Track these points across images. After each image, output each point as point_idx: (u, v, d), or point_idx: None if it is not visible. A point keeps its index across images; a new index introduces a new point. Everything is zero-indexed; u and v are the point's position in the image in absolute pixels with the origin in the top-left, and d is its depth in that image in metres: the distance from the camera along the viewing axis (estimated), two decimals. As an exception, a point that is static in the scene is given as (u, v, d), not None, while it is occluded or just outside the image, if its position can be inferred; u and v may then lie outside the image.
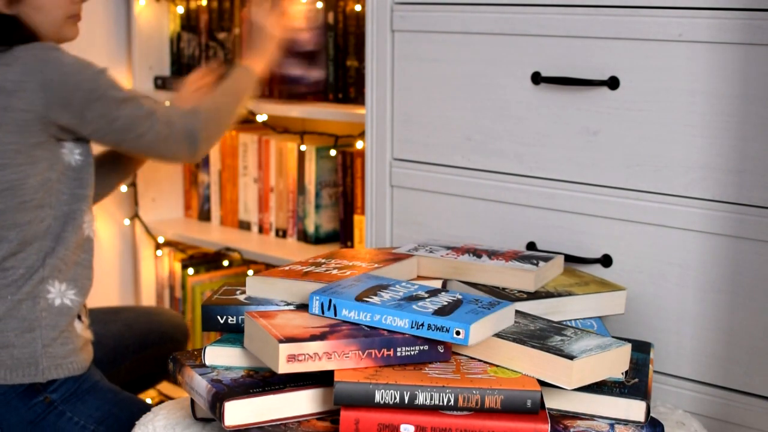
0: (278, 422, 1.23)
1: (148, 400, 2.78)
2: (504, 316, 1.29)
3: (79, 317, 1.85)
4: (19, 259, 1.77)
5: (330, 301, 1.30)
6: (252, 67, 2.13)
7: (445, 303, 1.29)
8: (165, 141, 1.87)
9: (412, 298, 1.30)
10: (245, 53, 2.22)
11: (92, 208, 1.91)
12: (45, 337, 1.76)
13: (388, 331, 1.25)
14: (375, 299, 1.29)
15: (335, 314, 1.30)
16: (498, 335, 1.28)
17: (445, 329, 1.22)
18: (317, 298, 1.32)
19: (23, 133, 1.73)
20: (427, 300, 1.30)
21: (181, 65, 2.82)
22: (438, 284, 1.52)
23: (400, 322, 1.24)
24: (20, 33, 1.79)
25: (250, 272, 2.63)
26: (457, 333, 1.21)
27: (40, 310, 1.77)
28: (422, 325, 1.23)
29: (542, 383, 1.24)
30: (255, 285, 1.42)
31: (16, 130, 1.73)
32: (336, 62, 2.48)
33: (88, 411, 1.78)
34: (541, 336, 1.30)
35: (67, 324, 1.80)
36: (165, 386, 2.79)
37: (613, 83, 1.58)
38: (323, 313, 1.31)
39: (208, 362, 1.34)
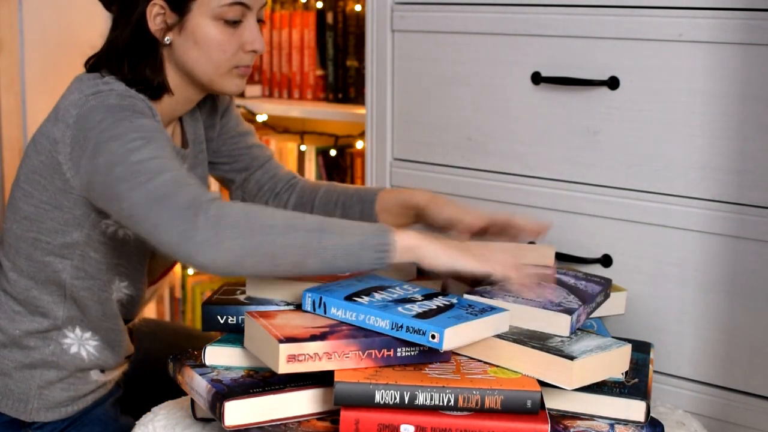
0: (278, 422, 1.23)
1: (148, 400, 2.78)
2: (495, 323, 1.28)
3: (103, 370, 1.64)
4: (34, 293, 1.57)
5: (321, 298, 1.30)
6: (397, 236, 1.31)
7: (434, 307, 1.28)
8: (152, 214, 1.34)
9: (403, 301, 1.30)
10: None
11: (143, 283, 1.65)
12: (44, 378, 1.59)
13: (371, 331, 1.25)
14: (364, 299, 1.29)
15: (325, 312, 1.30)
16: (498, 336, 1.28)
17: (421, 332, 1.22)
18: (309, 295, 1.32)
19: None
20: (417, 303, 1.29)
21: (181, 65, 2.82)
22: (439, 284, 1.52)
23: (382, 323, 1.24)
24: (164, 64, 1.54)
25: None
26: (432, 337, 1.21)
27: (49, 353, 1.58)
28: (401, 327, 1.23)
29: (542, 383, 1.24)
30: (255, 285, 1.42)
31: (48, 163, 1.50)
32: (336, 62, 2.48)
33: None
34: (541, 336, 1.30)
35: (76, 371, 1.61)
36: (165, 386, 2.79)
37: (613, 83, 1.58)
38: (314, 310, 1.31)
39: (208, 362, 1.34)
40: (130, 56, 1.53)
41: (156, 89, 1.55)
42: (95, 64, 1.56)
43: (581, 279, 1.44)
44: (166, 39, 1.52)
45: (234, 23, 1.52)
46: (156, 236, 1.31)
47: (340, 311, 1.29)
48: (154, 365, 1.77)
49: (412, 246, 1.30)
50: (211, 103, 1.74)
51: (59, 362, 1.60)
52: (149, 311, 2.86)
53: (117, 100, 1.47)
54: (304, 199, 1.76)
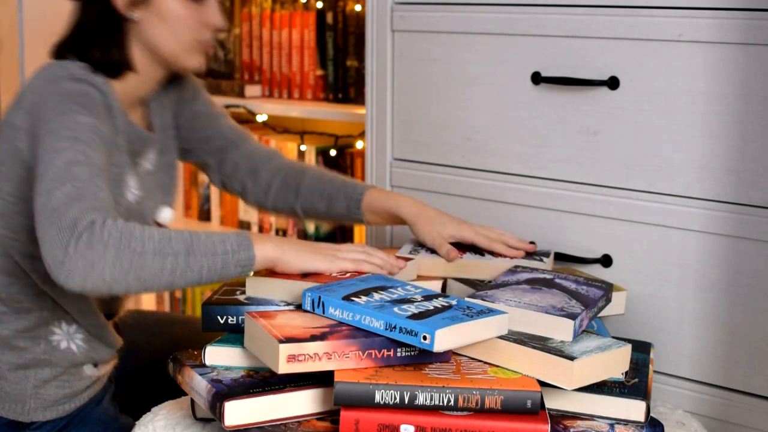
0: (278, 422, 1.23)
1: (148, 400, 2.79)
2: (492, 325, 1.28)
3: (95, 365, 1.65)
4: (14, 289, 1.57)
5: (319, 298, 1.30)
6: (260, 245, 1.39)
7: (431, 307, 1.28)
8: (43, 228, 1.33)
9: (402, 301, 1.30)
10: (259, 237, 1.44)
11: None
12: (39, 377, 1.59)
13: (368, 331, 1.25)
14: (361, 299, 1.29)
15: (323, 311, 1.30)
16: (498, 336, 1.28)
17: (413, 333, 1.21)
18: (309, 294, 1.32)
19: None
20: (415, 303, 1.29)
21: (181, 65, 2.82)
22: (439, 284, 1.52)
23: (377, 323, 1.24)
24: (129, 42, 1.58)
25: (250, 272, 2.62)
26: (424, 338, 1.21)
27: (41, 351, 1.59)
28: (395, 327, 1.23)
29: (542, 383, 1.24)
30: (255, 285, 1.42)
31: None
32: (336, 62, 2.48)
33: None
34: (541, 336, 1.30)
35: (69, 367, 1.61)
36: (165, 386, 2.79)
37: (613, 83, 1.58)
38: (314, 309, 1.31)
39: (208, 362, 1.34)
40: (98, 36, 1.57)
41: (119, 66, 1.58)
42: (62, 49, 1.59)
43: (582, 283, 1.44)
44: (133, 15, 1.56)
45: (198, 1, 1.58)
46: (40, 249, 1.32)
47: (337, 311, 1.29)
48: (140, 356, 1.79)
49: (271, 257, 1.39)
50: (178, 89, 1.77)
51: (52, 359, 1.60)
52: (148, 306, 2.87)
53: (71, 86, 1.50)
54: (288, 183, 1.78)
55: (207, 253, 1.35)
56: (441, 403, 1.19)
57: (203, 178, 2.80)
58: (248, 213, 2.70)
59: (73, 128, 1.43)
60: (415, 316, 1.24)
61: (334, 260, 1.43)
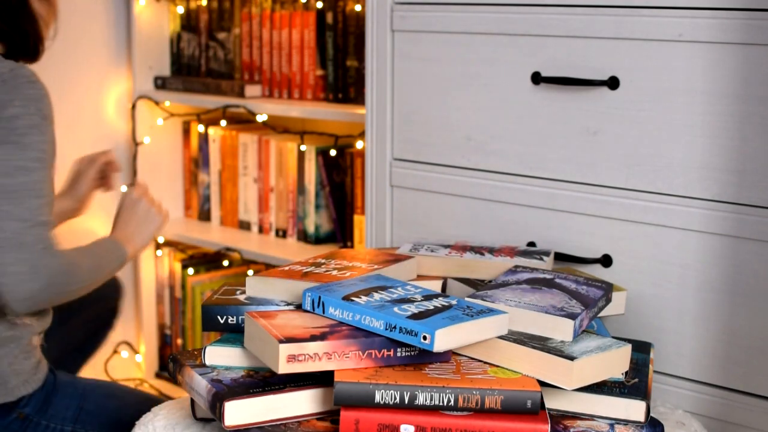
0: (278, 422, 1.23)
1: (148, 400, 2.79)
2: (492, 325, 1.28)
3: (40, 333, 1.74)
4: None
5: (319, 298, 1.30)
6: (124, 245, 1.80)
7: (431, 307, 1.28)
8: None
9: (402, 301, 1.30)
10: (116, 227, 1.86)
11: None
12: (11, 354, 1.66)
13: (368, 331, 1.25)
14: (362, 299, 1.29)
15: (323, 311, 1.30)
16: (498, 336, 1.28)
17: (413, 333, 1.21)
18: (309, 294, 1.32)
19: None
20: (415, 303, 1.29)
21: (181, 65, 2.83)
22: (439, 284, 1.52)
23: (377, 323, 1.24)
24: (24, 22, 1.68)
25: (250, 272, 2.63)
26: (424, 338, 1.20)
27: (6, 329, 1.65)
28: (395, 327, 1.23)
29: (542, 383, 1.24)
30: (255, 285, 1.42)
31: None
32: (336, 62, 2.48)
33: (61, 413, 1.74)
34: (541, 336, 1.30)
35: (29, 338, 1.70)
36: (165, 386, 2.79)
37: (613, 83, 1.58)
38: (314, 309, 1.31)
39: (208, 362, 1.34)
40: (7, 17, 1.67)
41: (36, 48, 1.69)
42: None
43: (582, 283, 1.44)
44: None
45: None
46: None
47: (337, 311, 1.29)
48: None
49: (132, 253, 1.81)
50: None
51: (16, 334, 1.66)
52: (148, 306, 2.87)
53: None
54: None
55: (102, 266, 1.71)
56: (441, 403, 1.19)
57: (203, 178, 2.81)
58: (248, 213, 2.71)
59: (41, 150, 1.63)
60: (415, 316, 1.24)
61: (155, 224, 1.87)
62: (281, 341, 1.20)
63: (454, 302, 1.31)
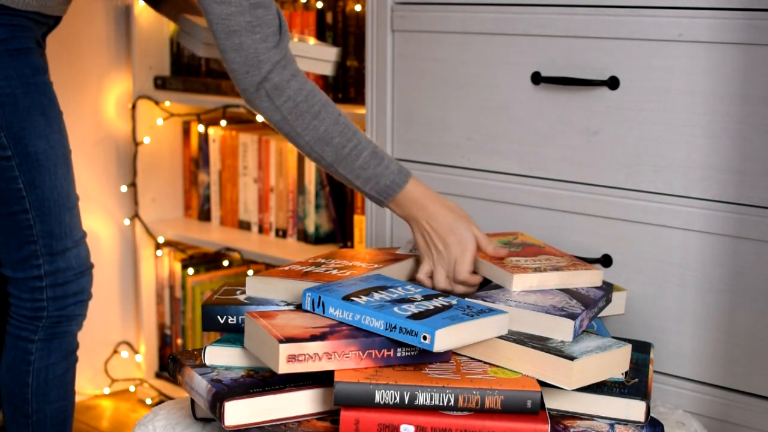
0: (278, 422, 1.23)
1: (148, 401, 2.79)
2: (492, 325, 1.28)
3: None
4: None
5: (319, 298, 1.30)
6: (412, 183, 1.51)
7: (431, 307, 1.28)
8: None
9: (402, 301, 1.30)
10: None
11: None
12: None
13: (368, 331, 1.25)
14: (362, 299, 1.29)
15: (323, 311, 1.30)
16: (498, 336, 1.28)
17: (413, 333, 1.21)
18: (309, 294, 1.32)
19: None
20: (415, 303, 1.29)
21: (181, 65, 2.82)
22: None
23: (377, 323, 1.24)
24: None
25: (250, 272, 2.63)
26: (424, 338, 1.20)
27: None
28: (395, 327, 1.23)
29: (542, 383, 1.24)
30: (255, 285, 1.42)
31: None
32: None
33: None
34: (541, 336, 1.30)
35: None
36: (165, 386, 2.79)
37: (613, 83, 1.58)
38: (314, 309, 1.31)
39: (208, 362, 1.34)
40: None
41: None
42: None
43: None
44: None
45: None
46: None
47: (337, 311, 1.29)
48: None
49: (418, 207, 1.50)
50: None
51: None
52: (148, 307, 2.87)
53: None
54: None
55: (355, 173, 1.49)
56: (441, 403, 1.19)
57: (203, 178, 2.81)
58: (248, 213, 2.71)
59: None
60: (415, 316, 1.24)
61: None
62: (281, 341, 1.20)
63: (454, 302, 1.31)
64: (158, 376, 2.88)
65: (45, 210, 1.68)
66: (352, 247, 2.47)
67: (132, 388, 2.86)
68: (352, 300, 1.29)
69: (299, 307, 1.37)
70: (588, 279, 1.42)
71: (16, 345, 1.75)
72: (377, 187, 1.49)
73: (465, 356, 1.30)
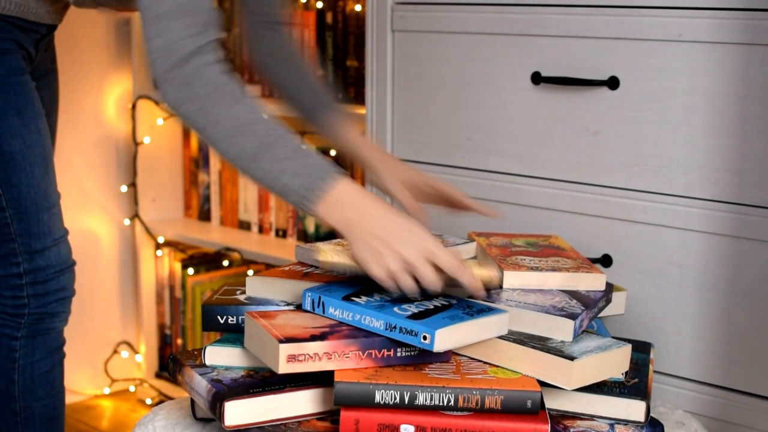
0: (278, 422, 1.23)
1: (148, 401, 2.79)
2: (493, 324, 1.28)
3: None
4: None
5: (319, 298, 1.30)
6: (342, 182, 1.30)
7: (431, 307, 1.28)
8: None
9: (402, 301, 1.30)
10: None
11: None
12: None
13: (368, 331, 1.25)
14: (361, 299, 1.29)
15: (323, 311, 1.30)
16: (498, 336, 1.28)
17: (413, 333, 1.21)
18: (309, 294, 1.32)
19: None
20: (415, 303, 1.29)
21: (181, 65, 2.82)
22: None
23: (377, 323, 1.24)
24: None
25: (250, 272, 2.63)
26: (424, 338, 1.20)
27: None
28: (395, 327, 1.23)
29: (542, 383, 1.24)
30: (255, 285, 1.42)
31: None
32: (336, 62, 2.48)
33: None
34: (541, 336, 1.30)
35: None
36: (165, 386, 2.79)
37: (613, 83, 1.58)
38: (314, 309, 1.31)
39: (208, 362, 1.34)
40: None
41: None
42: None
43: None
44: None
45: None
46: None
47: (337, 311, 1.29)
48: None
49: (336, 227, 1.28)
50: None
51: None
52: (148, 306, 2.87)
53: None
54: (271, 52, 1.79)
55: (275, 165, 1.30)
56: (441, 403, 1.19)
57: (203, 178, 2.81)
58: (248, 213, 2.71)
59: None
60: (415, 316, 1.24)
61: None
62: (281, 341, 1.20)
63: (454, 302, 1.31)
64: (158, 376, 2.88)
65: (22, 209, 1.67)
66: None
67: (132, 388, 2.86)
68: (352, 300, 1.29)
69: (299, 307, 1.37)
70: (590, 282, 1.42)
71: (0, 342, 1.75)
72: (308, 181, 1.27)
73: (465, 356, 1.30)
